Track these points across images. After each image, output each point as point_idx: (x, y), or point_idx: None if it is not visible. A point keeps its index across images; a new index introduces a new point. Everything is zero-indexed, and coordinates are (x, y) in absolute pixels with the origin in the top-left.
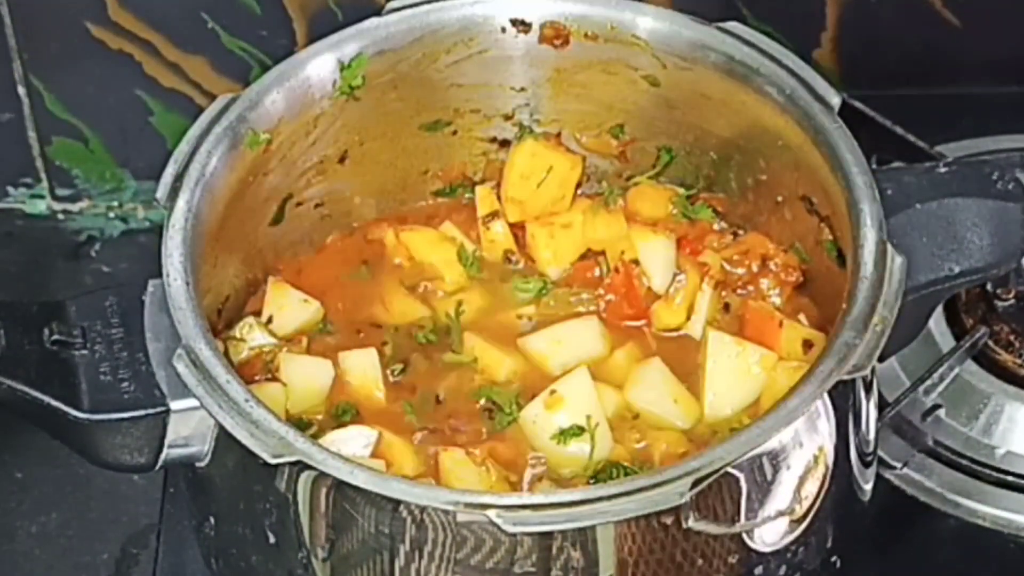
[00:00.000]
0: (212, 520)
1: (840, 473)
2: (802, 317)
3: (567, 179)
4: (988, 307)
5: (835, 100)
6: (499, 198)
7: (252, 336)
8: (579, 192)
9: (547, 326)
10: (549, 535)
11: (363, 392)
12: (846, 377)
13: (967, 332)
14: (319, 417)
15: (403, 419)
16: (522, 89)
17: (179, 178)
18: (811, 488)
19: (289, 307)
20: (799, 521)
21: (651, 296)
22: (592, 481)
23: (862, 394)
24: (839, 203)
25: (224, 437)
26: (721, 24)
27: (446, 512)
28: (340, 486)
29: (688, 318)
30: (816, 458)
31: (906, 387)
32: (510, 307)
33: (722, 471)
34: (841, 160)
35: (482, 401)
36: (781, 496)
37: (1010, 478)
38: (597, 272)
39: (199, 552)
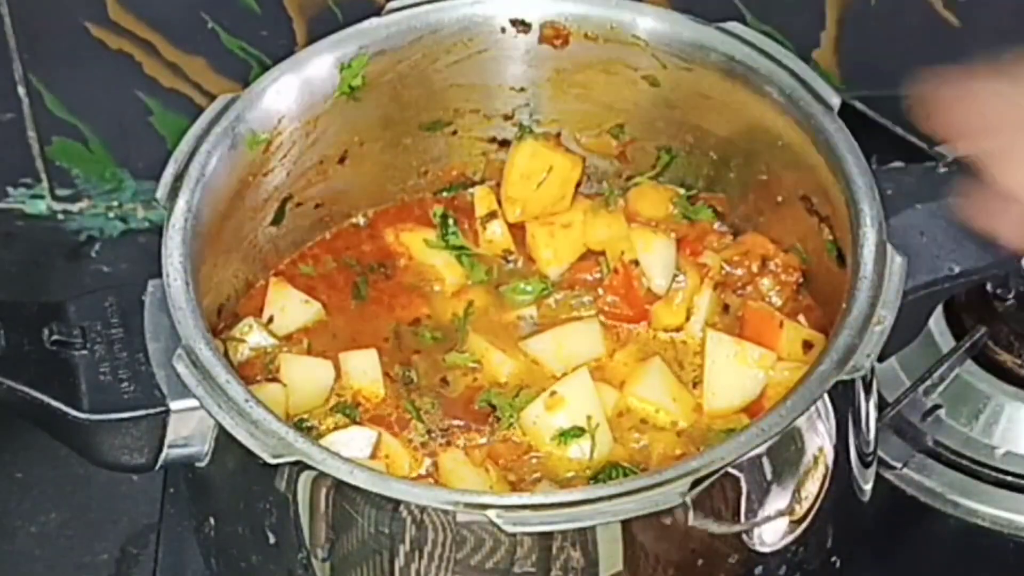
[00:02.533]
0: (212, 520)
1: (840, 473)
2: (802, 318)
3: (567, 179)
4: (988, 307)
5: (835, 100)
6: (499, 198)
7: (252, 336)
8: (579, 192)
9: (548, 327)
10: (549, 535)
11: (364, 393)
12: (846, 377)
13: (967, 332)
14: (319, 418)
15: (403, 420)
16: (522, 89)
17: (179, 178)
18: (811, 488)
19: (290, 307)
20: (799, 521)
21: (651, 297)
22: (592, 481)
23: (862, 394)
24: (839, 203)
25: (224, 437)
26: (721, 24)
27: (446, 512)
28: (340, 486)
29: (687, 319)
30: (816, 458)
31: (906, 387)
32: (511, 308)
33: (722, 471)
34: (841, 160)
35: (483, 402)
36: (781, 496)
37: (1010, 478)
38: (597, 273)
39: (199, 552)
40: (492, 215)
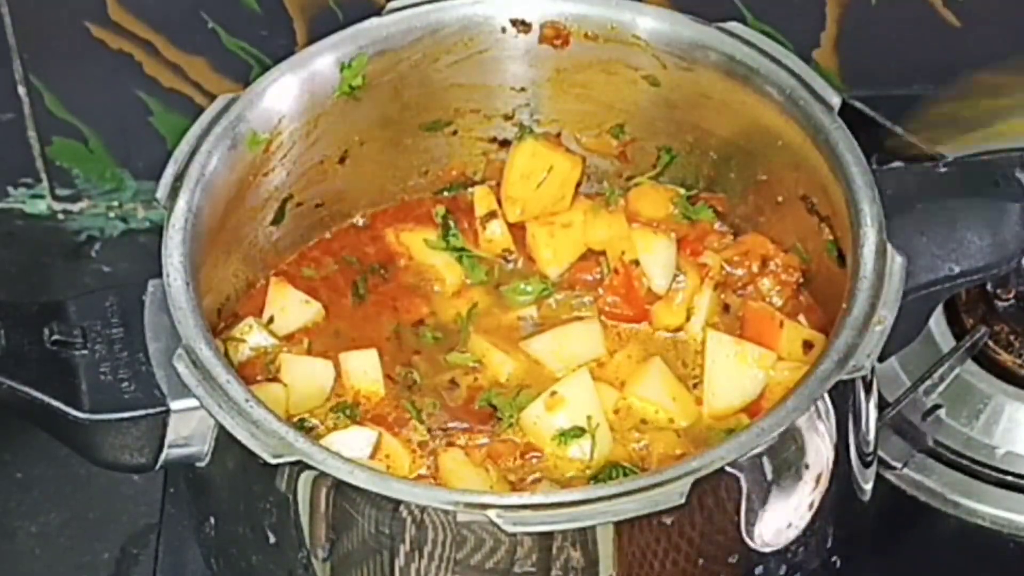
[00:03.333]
0: (212, 520)
1: (840, 473)
2: (802, 318)
3: (567, 179)
4: (988, 307)
5: (835, 100)
6: (499, 198)
7: (252, 336)
8: (579, 192)
9: (548, 327)
10: (549, 535)
11: (364, 393)
12: (846, 377)
13: (967, 332)
14: (319, 418)
15: (404, 420)
16: (522, 89)
17: (179, 178)
18: (811, 488)
19: (290, 307)
20: (799, 521)
21: (651, 297)
22: (592, 481)
23: (862, 394)
24: (839, 203)
25: (224, 437)
26: (721, 24)
27: (446, 512)
28: (340, 486)
29: (688, 319)
30: (816, 458)
31: (906, 387)
32: (511, 308)
33: (722, 471)
34: (841, 160)
35: (483, 402)
36: (781, 496)
37: (1010, 478)
38: (597, 273)
39: (199, 552)
40: (492, 215)
